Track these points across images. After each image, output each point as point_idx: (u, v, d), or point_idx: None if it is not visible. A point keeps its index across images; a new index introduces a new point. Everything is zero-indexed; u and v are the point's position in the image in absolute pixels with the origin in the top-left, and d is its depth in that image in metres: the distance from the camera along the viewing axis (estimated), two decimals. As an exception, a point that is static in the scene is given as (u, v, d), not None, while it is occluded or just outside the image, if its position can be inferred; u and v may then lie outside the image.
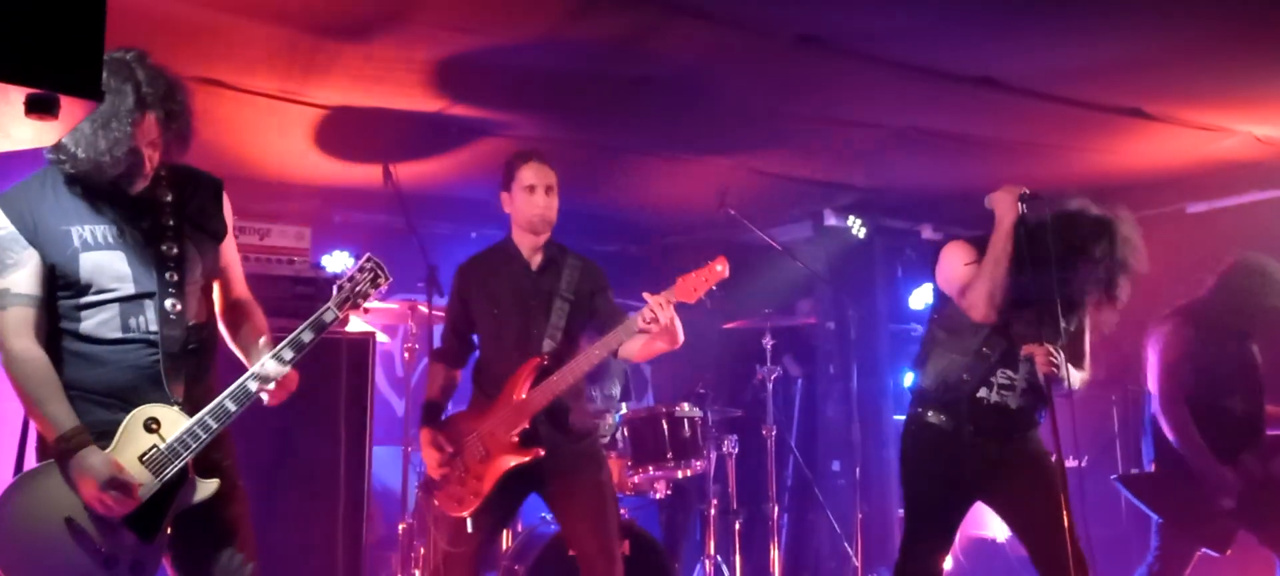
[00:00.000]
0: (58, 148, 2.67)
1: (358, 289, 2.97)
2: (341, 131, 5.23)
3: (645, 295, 3.69)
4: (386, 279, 3.00)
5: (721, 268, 3.75)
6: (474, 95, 4.82)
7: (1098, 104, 4.89)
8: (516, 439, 3.84)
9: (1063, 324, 3.64)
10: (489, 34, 4.14)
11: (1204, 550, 4.48)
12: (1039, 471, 3.76)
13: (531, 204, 3.99)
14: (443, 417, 4.08)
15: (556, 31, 4.10)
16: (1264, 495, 4.35)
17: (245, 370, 2.89)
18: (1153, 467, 4.58)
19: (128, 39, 3.23)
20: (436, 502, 3.98)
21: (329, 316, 2.92)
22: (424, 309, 5.39)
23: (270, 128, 5.12)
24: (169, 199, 2.86)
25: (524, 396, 3.85)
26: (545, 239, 4.06)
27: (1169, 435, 4.44)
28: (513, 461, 3.84)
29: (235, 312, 3.07)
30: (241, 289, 3.12)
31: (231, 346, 3.05)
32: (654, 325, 3.66)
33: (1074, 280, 3.65)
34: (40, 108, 1.78)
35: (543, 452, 3.85)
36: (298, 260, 4.86)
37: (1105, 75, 4.54)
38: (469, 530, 3.92)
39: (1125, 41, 4.19)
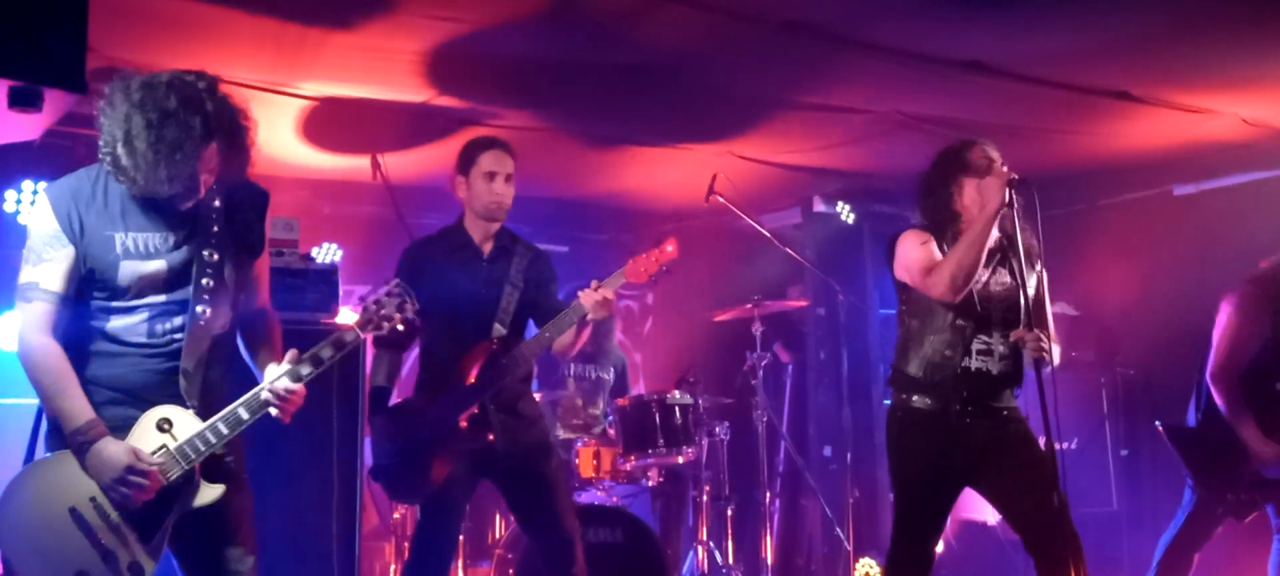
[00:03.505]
0: (117, 165, 2.66)
1: (383, 313, 2.94)
2: (329, 122, 5.22)
3: (582, 293, 3.75)
4: (414, 305, 2.96)
5: (671, 248, 3.85)
6: (461, 85, 4.82)
7: (1084, 87, 4.90)
8: (466, 424, 3.83)
9: (1025, 293, 3.66)
10: (476, 22, 4.13)
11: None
12: (1027, 455, 3.77)
13: (491, 191, 3.97)
14: (390, 404, 4.06)
15: (543, 19, 4.10)
16: None
17: (257, 381, 2.89)
18: (1195, 422, 4.47)
19: (113, 31, 3.22)
20: (387, 493, 3.97)
21: (350, 337, 2.90)
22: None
23: (257, 119, 5.09)
24: (216, 206, 2.87)
25: (473, 381, 3.83)
26: (498, 227, 4.05)
27: (1218, 403, 4.31)
28: (463, 446, 3.83)
29: (254, 322, 3.06)
30: (265, 298, 3.10)
31: (244, 354, 3.04)
32: (602, 310, 3.73)
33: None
34: (23, 100, 1.78)
35: (492, 437, 3.84)
36: (287, 252, 4.84)
37: (1092, 58, 4.55)
38: (421, 517, 3.92)
39: (1111, 24, 4.21)
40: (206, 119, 2.66)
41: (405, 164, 5.78)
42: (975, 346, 3.76)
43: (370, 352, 4.74)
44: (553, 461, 4.04)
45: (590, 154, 5.94)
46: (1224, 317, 4.43)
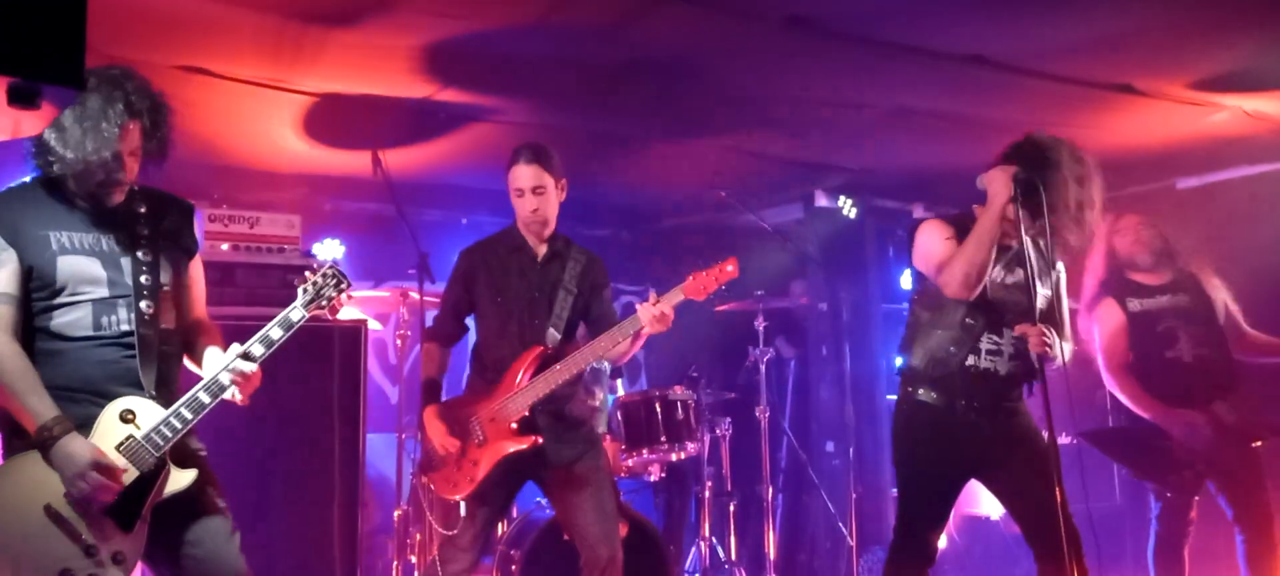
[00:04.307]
0: (45, 148, 2.78)
1: (322, 292, 3.02)
2: (330, 119, 5.21)
3: (640, 306, 3.74)
4: (348, 284, 3.07)
5: (732, 268, 3.85)
6: (462, 81, 4.81)
7: (1087, 80, 4.88)
8: (516, 426, 3.85)
9: (1041, 289, 3.65)
10: (476, 19, 4.12)
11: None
12: (1031, 450, 3.77)
13: (522, 206, 4.00)
14: (441, 400, 4.08)
15: (545, 15, 4.08)
16: (1229, 446, 4.40)
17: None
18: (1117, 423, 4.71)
19: (112, 29, 3.21)
20: (431, 485, 3.99)
21: (296, 315, 2.98)
22: (415, 296, 5.38)
23: (258, 116, 5.10)
24: (143, 211, 2.97)
25: (525, 384, 3.85)
26: (550, 231, 4.06)
27: (1124, 401, 4.56)
28: (511, 448, 3.85)
29: (195, 331, 3.12)
30: (201, 310, 3.19)
31: (188, 364, 3.10)
32: (660, 325, 3.73)
33: (1041, 220, 3.62)
34: (22, 98, 1.77)
35: (541, 440, 3.86)
36: (288, 249, 4.84)
37: (1095, 51, 4.54)
38: (463, 514, 3.93)
39: (1114, 17, 4.19)
40: (126, 95, 2.80)
41: (406, 160, 5.77)
42: (984, 346, 3.76)
43: (371, 348, 4.74)
44: (599, 464, 4.04)
45: (592, 149, 5.92)
46: (1091, 334, 4.70)
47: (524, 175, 3.98)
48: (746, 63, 4.68)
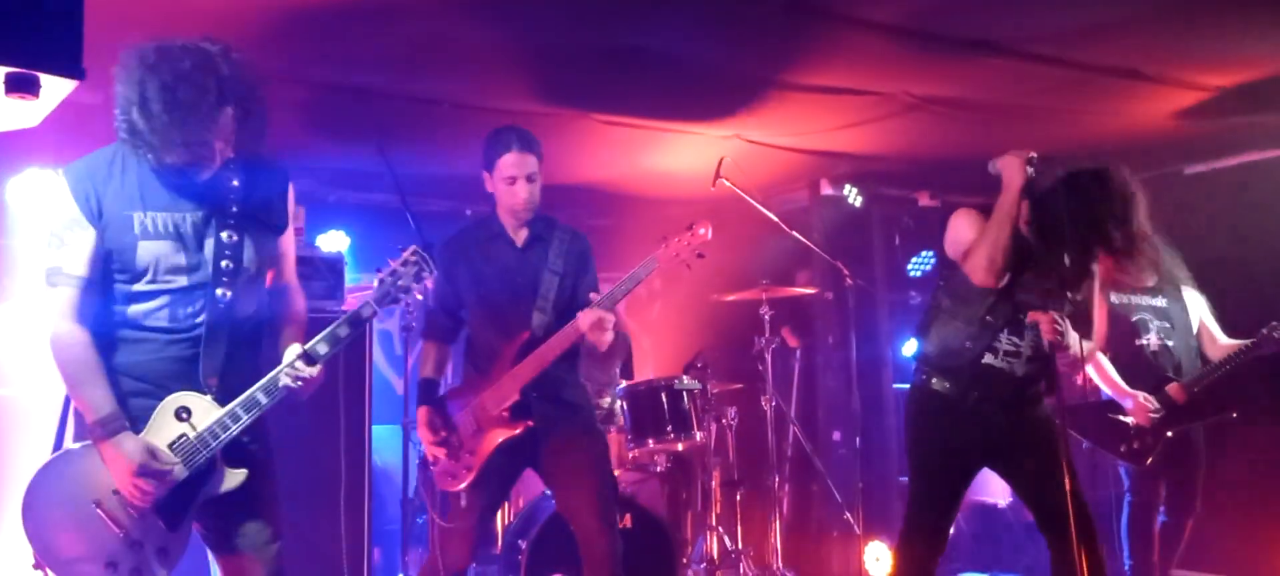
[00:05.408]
0: (133, 132, 2.63)
1: (400, 283, 2.90)
2: (333, 111, 5.20)
3: (582, 313, 3.72)
4: (432, 273, 2.92)
5: (704, 231, 3.74)
6: (465, 70, 4.79)
7: (1094, 65, 4.86)
8: (507, 412, 3.83)
9: (1069, 293, 3.64)
10: (478, 7, 4.10)
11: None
12: (1042, 435, 3.77)
13: (512, 194, 3.92)
14: (439, 394, 4.07)
15: (547, 3, 4.07)
16: (1174, 424, 4.71)
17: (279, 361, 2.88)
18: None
19: (111, 17, 3.18)
20: (434, 480, 3.99)
21: (367, 312, 2.89)
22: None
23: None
24: (235, 184, 2.84)
25: (513, 369, 3.83)
26: (530, 216, 4.01)
27: (1095, 378, 4.90)
28: (503, 435, 3.84)
29: (279, 298, 3.05)
30: (290, 276, 3.10)
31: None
32: (598, 331, 3.70)
33: (1083, 245, 3.62)
34: (21, 87, 1.76)
35: (533, 424, 3.84)
36: (292, 241, 4.83)
37: (1101, 36, 4.51)
38: (463, 504, 3.92)
39: (1120, 2, 4.16)
40: (221, 82, 2.64)
41: (410, 151, 5.76)
42: (1003, 345, 3.75)
43: (376, 339, 4.73)
44: (594, 450, 3.99)
45: (594, 138, 5.91)
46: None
47: (518, 162, 3.91)
48: (749, 49, 4.66)
